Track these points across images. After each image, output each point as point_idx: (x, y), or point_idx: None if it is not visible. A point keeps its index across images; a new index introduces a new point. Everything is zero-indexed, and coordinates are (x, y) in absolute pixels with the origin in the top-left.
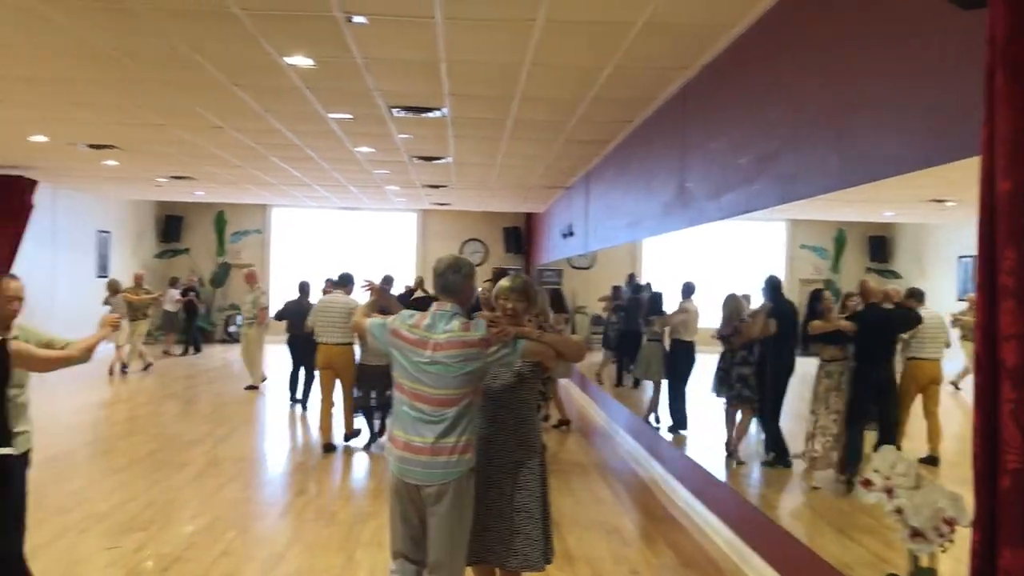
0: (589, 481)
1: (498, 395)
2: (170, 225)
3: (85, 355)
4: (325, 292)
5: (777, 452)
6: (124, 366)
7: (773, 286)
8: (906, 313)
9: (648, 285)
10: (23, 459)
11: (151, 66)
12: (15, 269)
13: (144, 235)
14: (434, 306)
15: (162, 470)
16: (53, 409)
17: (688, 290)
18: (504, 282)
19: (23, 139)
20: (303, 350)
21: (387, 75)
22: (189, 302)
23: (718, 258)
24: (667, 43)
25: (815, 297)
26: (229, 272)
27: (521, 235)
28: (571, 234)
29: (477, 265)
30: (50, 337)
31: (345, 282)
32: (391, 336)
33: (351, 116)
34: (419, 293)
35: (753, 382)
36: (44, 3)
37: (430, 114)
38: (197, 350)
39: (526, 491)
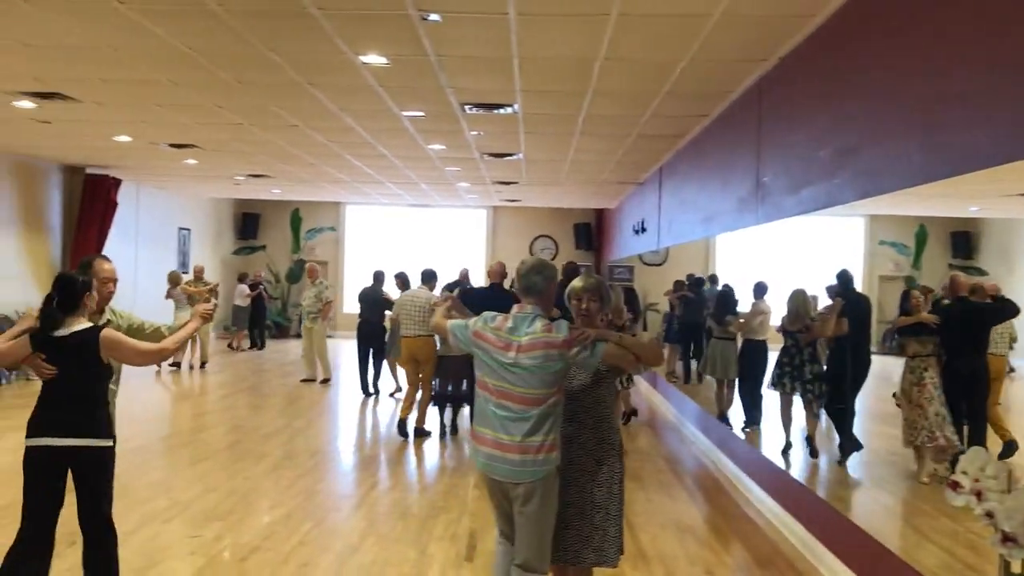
0: (661, 477)
1: (576, 394)
2: (247, 222)
3: (179, 347)
4: (398, 287)
5: (853, 450)
6: (203, 363)
7: (845, 281)
8: (996, 306)
9: (726, 285)
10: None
11: (230, 67)
12: None
13: (223, 232)
14: (515, 308)
15: (240, 462)
16: (131, 402)
17: (761, 290)
18: (577, 282)
19: (108, 139)
20: (372, 336)
21: (460, 72)
22: (258, 296)
23: (793, 254)
24: (744, 35)
25: (904, 297)
26: (304, 268)
27: (592, 231)
28: (643, 230)
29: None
30: (141, 322)
31: (428, 278)
32: (474, 337)
33: (423, 113)
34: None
35: (826, 378)
36: (127, 7)
37: (502, 110)
38: (260, 346)
39: (605, 489)
